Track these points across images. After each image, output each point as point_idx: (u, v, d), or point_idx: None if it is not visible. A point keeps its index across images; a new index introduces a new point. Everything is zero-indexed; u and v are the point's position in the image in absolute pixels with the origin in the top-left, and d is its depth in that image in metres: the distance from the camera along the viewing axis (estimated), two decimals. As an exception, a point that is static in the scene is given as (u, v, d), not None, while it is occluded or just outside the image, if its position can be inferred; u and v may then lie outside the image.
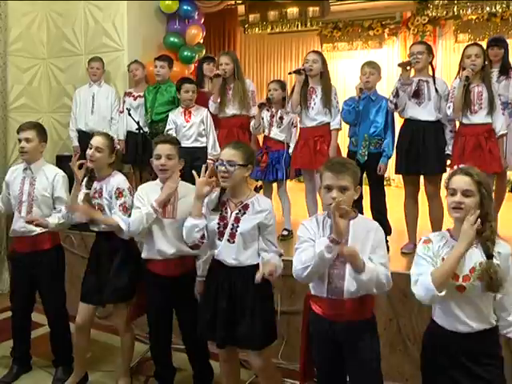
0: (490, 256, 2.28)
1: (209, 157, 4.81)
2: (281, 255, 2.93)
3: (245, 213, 2.84)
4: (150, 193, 3.24)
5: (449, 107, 4.04)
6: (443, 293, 2.26)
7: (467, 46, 4.07)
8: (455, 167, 2.45)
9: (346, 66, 8.94)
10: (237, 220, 2.84)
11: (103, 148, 3.39)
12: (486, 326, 2.34)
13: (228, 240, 2.85)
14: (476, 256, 2.31)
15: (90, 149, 3.39)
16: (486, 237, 2.30)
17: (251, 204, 2.86)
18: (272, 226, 2.87)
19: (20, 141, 3.57)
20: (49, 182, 3.60)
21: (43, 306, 3.78)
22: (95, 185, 3.47)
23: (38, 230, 3.56)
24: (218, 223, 2.88)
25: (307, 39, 9.67)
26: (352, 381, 2.60)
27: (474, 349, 2.33)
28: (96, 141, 3.40)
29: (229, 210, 2.88)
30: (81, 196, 3.44)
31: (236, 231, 2.84)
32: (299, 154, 4.57)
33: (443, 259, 2.34)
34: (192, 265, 3.32)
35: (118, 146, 3.52)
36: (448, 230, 2.45)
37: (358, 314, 2.53)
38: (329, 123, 4.48)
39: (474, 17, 8.12)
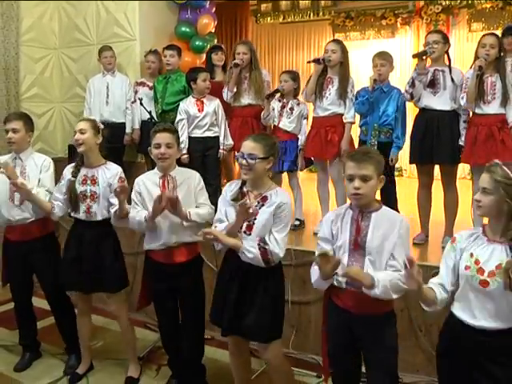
0: None
1: (221, 147, 4.81)
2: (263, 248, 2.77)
3: (263, 205, 2.80)
4: (148, 185, 3.24)
5: (462, 97, 3.99)
6: (432, 308, 2.38)
7: (483, 36, 4.01)
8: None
9: (358, 56, 8.85)
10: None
11: (86, 129, 3.36)
12: (505, 325, 2.23)
13: (245, 232, 2.80)
14: (503, 254, 2.23)
15: (74, 135, 3.37)
16: (510, 236, 2.23)
17: (269, 196, 2.81)
18: (279, 219, 2.77)
19: (7, 131, 3.59)
20: (38, 169, 3.63)
21: (45, 295, 3.82)
22: (85, 171, 3.43)
23: (30, 216, 3.60)
24: (237, 215, 2.83)
25: (319, 29, 9.61)
26: (369, 373, 2.59)
27: (492, 347, 2.23)
28: (78, 125, 3.39)
29: (248, 201, 2.82)
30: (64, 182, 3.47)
31: (253, 223, 2.79)
32: (311, 143, 4.55)
33: (471, 254, 2.29)
34: (196, 251, 3.33)
35: (102, 126, 3.50)
36: (483, 225, 2.35)
37: (378, 308, 2.48)
38: (341, 114, 4.45)
39: (488, 5, 8.01)
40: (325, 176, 4.68)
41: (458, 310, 2.35)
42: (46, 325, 4.06)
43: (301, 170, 4.86)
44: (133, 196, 3.27)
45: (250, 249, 2.74)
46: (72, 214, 3.50)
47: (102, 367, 3.82)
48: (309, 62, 4.63)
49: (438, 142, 4.05)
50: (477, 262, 2.27)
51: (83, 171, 3.44)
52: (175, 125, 4.84)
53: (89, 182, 3.42)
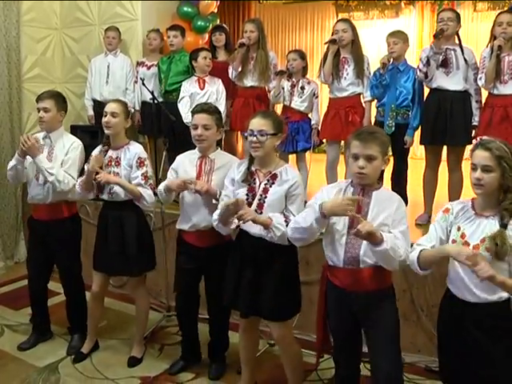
0: (503, 225, 2.22)
1: None
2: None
3: (273, 183, 2.81)
4: (186, 164, 3.24)
5: (480, 78, 3.94)
6: (427, 271, 2.40)
7: (499, 14, 3.95)
8: (478, 139, 2.38)
9: (362, 36, 8.76)
10: (265, 191, 2.81)
11: (118, 113, 3.39)
12: (495, 297, 2.25)
13: (255, 210, 2.79)
14: (490, 227, 2.26)
15: (105, 116, 3.39)
16: (504, 207, 2.23)
17: (279, 174, 2.82)
18: (295, 196, 2.78)
19: (39, 110, 3.59)
20: (65, 149, 3.61)
21: (59, 275, 3.84)
22: (110, 153, 3.47)
23: (50, 197, 3.59)
24: (247, 194, 2.84)
25: (323, 9, 9.54)
26: (372, 351, 2.59)
27: (483, 320, 2.27)
28: (110, 107, 3.41)
29: (257, 180, 2.85)
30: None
31: (264, 202, 2.80)
32: (329, 124, 4.51)
33: (459, 228, 2.33)
34: (227, 236, 3.27)
35: (133, 110, 3.51)
36: (472, 199, 2.38)
37: (376, 284, 2.51)
38: (360, 94, 4.44)
39: (493, -15, 7.92)
40: (337, 158, 4.64)
41: (450, 285, 2.41)
42: (50, 305, 4.07)
43: (314, 149, 4.80)
44: (168, 173, 3.31)
45: (279, 226, 2.70)
46: (99, 196, 3.52)
47: (105, 347, 3.85)
48: (326, 43, 4.51)
49: (451, 123, 4.00)
50: (463, 235, 2.31)
51: (110, 153, 3.47)
52: (178, 103, 4.85)
53: (113, 163, 3.45)
